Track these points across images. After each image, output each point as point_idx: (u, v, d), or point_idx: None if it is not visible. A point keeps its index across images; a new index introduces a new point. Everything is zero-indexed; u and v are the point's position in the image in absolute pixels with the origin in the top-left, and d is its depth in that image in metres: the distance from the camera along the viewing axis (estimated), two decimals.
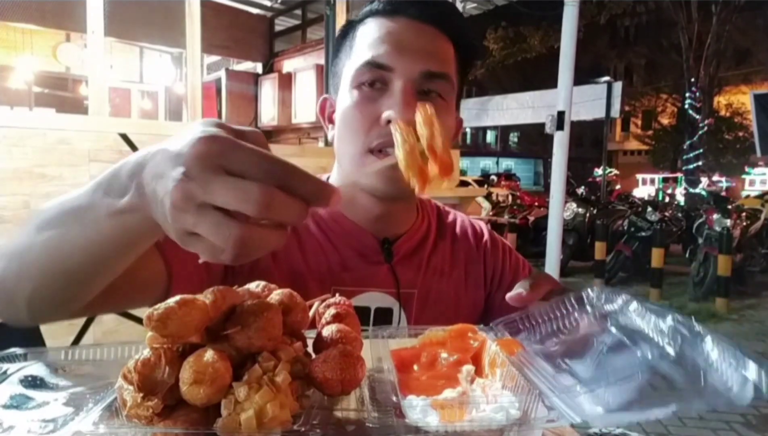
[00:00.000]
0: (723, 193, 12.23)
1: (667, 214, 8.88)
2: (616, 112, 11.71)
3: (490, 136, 38.57)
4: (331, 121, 0.95)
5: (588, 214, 8.77)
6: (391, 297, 0.91)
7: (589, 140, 36.28)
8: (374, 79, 0.84)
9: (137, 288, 0.66)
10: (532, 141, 35.12)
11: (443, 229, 1.04)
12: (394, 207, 0.93)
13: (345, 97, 0.88)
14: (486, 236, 1.07)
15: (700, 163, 18.39)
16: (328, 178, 0.97)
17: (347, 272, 0.89)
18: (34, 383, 0.48)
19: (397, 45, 0.84)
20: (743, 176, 24.09)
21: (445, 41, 0.88)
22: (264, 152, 0.40)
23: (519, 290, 0.71)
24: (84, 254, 0.52)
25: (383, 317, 0.90)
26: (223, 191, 0.38)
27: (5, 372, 0.48)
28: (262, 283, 0.55)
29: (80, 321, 2.71)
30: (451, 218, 1.08)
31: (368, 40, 0.86)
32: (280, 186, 0.39)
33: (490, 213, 10.37)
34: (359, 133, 0.84)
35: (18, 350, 0.51)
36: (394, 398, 0.47)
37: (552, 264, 6.46)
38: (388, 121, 0.81)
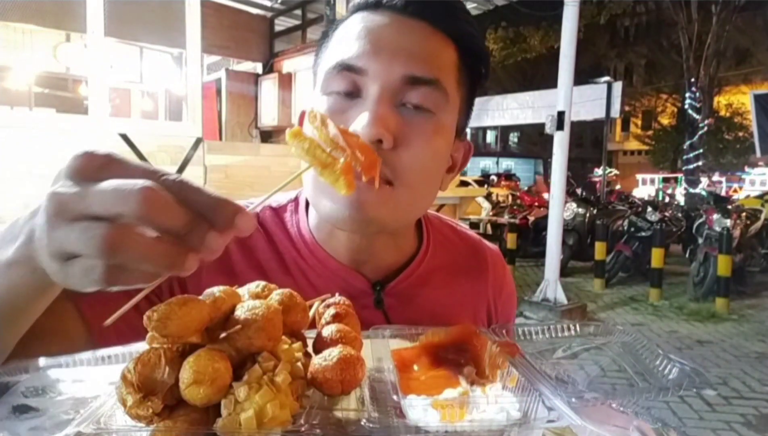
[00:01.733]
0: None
1: (667, 214, 8.89)
2: (616, 112, 11.75)
3: (490, 136, 38.60)
4: None
5: (588, 214, 8.78)
6: None
7: (589, 140, 36.33)
8: (347, 87, 0.71)
9: (56, 341, 0.61)
10: (532, 141, 35.17)
11: (466, 265, 0.90)
12: (378, 241, 0.79)
13: (316, 105, 0.74)
14: (507, 280, 0.97)
15: (700, 163, 18.42)
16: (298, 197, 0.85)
17: None
18: (35, 393, 0.48)
19: (374, 43, 0.70)
20: (743, 176, 24.12)
21: (442, 42, 0.73)
22: (114, 193, 0.38)
23: None
24: None
25: None
26: (73, 236, 0.38)
27: (6, 384, 0.48)
28: (262, 283, 0.55)
29: None
30: (484, 254, 0.94)
31: (344, 39, 0.73)
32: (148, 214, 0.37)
33: (490, 213, 10.38)
34: None
35: (18, 362, 0.51)
36: (395, 398, 0.47)
37: (552, 264, 6.50)
38: None
